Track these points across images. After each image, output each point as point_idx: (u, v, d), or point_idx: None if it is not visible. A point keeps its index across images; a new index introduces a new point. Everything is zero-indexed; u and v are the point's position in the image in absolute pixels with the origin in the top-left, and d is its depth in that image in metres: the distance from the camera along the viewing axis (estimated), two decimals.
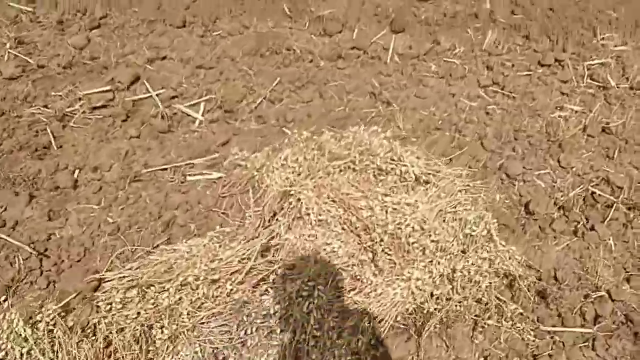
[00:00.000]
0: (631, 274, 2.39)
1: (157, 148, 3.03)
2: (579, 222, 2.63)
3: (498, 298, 2.26)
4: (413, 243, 2.20)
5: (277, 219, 2.52)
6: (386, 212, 2.27)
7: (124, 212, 2.63)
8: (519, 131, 3.13)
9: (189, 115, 3.28)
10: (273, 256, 2.37)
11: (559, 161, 2.92)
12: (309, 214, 2.40)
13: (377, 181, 2.45)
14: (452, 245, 2.24)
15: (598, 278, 2.36)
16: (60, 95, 3.27)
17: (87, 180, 2.83)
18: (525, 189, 2.82)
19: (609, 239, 2.50)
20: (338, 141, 2.73)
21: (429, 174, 2.45)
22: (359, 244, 2.31)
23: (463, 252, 2.28)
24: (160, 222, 2.59)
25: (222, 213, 2.68)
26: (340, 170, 2.52)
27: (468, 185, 2.50)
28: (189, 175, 2.87)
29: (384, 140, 2.67)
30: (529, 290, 2.31)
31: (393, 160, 2.48)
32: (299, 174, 2.57)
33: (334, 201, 2.40)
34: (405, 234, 2.19)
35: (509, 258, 2.32)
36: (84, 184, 2.83)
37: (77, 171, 2.87)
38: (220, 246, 2.30)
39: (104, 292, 2.24)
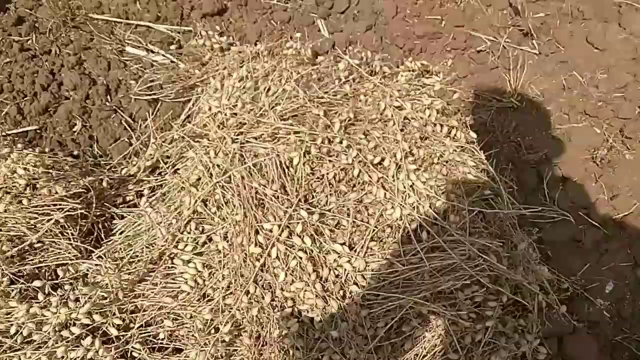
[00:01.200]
0: None
1: None
2: None
3: None
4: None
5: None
6: (286, 258, 1.01)
7: (4, 70, 1.74)
8: None
9: None
10: (112, 240, 1.32)
11: None
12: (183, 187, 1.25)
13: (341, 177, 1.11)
14: None
15: None
16: None
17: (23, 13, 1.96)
18: None
19: None
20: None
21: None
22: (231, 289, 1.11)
23: None
24: (37, 104, 1.66)
25: (125, 121, 1.63)
26: (286, 135, 1.22)
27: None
28: (131, 45, 1.82)
29: (433, 107, 1.28)
30: None
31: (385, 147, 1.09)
32: (232, 114, 1.35)
33: (239, 193, 1.18)
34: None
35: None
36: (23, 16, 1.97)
37: None
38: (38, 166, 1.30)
39: None
